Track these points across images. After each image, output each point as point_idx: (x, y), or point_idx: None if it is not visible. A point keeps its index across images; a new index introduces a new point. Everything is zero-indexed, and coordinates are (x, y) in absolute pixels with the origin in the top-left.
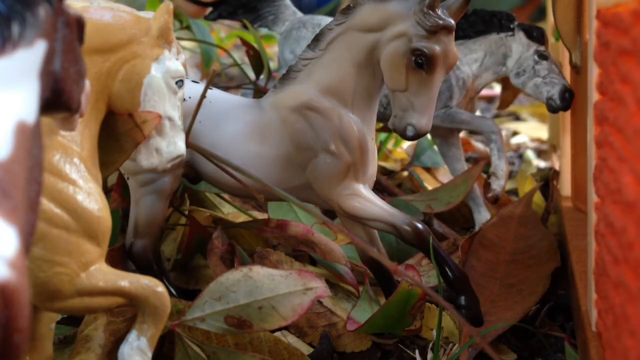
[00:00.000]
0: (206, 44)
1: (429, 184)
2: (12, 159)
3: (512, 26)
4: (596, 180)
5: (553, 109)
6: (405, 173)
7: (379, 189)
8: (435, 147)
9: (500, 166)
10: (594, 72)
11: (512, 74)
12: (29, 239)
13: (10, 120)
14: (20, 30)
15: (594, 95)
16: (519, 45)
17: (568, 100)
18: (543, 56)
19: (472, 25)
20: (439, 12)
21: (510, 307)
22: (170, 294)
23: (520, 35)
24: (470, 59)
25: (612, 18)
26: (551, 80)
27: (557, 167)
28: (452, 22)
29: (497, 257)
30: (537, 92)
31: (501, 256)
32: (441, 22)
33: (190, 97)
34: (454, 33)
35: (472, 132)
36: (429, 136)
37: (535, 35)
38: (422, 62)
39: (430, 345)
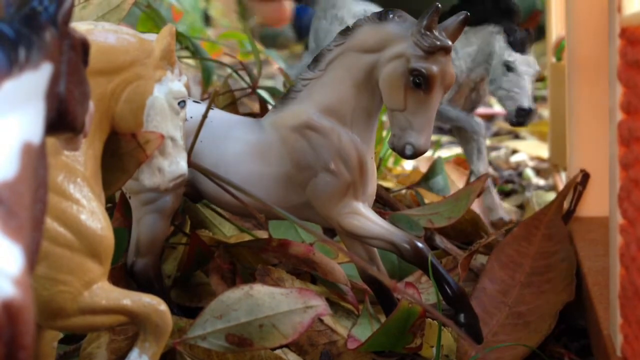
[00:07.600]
0: (205, 60)
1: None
2: (18, 178)
3: (503, 23)
4: (622, 201)
5: (511, 124)
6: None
7: (380, 202)
8: (447, 173)
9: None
10: (617, 91)
11: (489, 78)
12: (33, 257)
13: (17, 141)
14: (27, 53)
15: (617, 115)
16: (499, 48)
17: (523, 117)
18: (510, 68)
19: (476, 13)
20: (437, 33)
21: (512, 345)
22: (172, 312)
23: (499, 37)
24: (465, 52)
25: (639, 36)
26: (513, 96)
27: (560, 187)
28: (449, 43)
29: (513, 276)
30: (502, 104)
31: (517, 276)
32: (438, 42)
33: (192, 117)
34: (451, 54)
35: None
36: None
37: (513, 40)
38: (420, 82)
39: None
